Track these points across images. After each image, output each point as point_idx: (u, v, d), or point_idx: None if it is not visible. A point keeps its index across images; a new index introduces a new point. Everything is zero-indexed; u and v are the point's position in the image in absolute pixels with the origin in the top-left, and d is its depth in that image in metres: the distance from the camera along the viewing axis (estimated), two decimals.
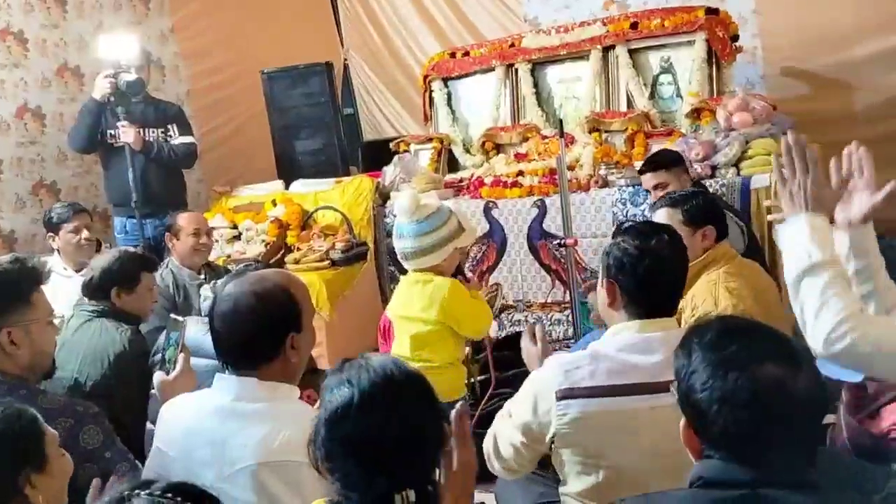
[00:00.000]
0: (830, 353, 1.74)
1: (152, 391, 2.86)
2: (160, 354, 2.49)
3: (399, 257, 3.14)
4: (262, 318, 1.96)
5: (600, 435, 2.07)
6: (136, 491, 1.13)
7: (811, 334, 1.78)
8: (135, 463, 2.39)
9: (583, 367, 2.10)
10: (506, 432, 2.25)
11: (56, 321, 2.49)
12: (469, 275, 3.74)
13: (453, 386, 3.11)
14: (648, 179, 3.97)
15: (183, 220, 4.32)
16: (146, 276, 3.36)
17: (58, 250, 4.24)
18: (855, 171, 2.02)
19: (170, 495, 1.14)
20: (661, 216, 3.09)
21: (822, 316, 1.76)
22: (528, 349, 2.54)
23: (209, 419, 1.98)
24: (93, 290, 3.24)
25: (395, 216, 3.61)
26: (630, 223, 2.38)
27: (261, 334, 1.97)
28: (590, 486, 2.12)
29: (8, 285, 2.31)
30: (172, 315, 2.49)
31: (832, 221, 1.98)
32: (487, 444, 2.33)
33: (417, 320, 3.05)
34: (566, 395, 2.07)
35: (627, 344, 2.11)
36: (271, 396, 1.96)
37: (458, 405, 1.59)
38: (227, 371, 2.03)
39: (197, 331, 2.77)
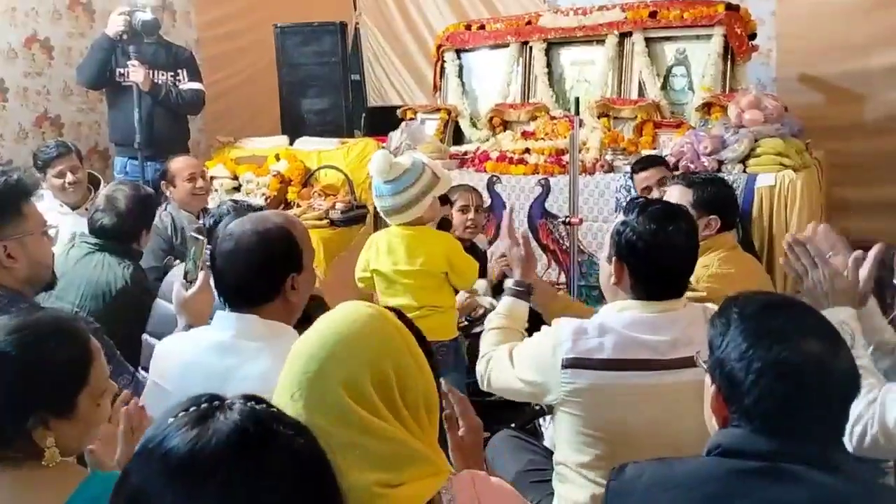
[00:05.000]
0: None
1: (144, 336, 2.87)
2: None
3: (382, 215, 3.26)
4: (263, 257, 2.00)
5: (603, 408, 2.07)
6: (231, 402, 1.03)
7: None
8: (136, 375, 2.39)
9: (592, 337, 2.09)
10: (505, 374, 2.26)
11: (51, 232, 2.47)
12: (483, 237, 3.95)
13: (454, 326, 3.30)
14: (649, 177, 3.99)
15: (176, 165, 4.27)
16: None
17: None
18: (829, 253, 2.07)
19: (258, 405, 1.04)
20: (674, 193, 3.07)
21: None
22: (512, 251, 2.58)
23: (208, 354, 1.99)
24: (124, 234, 3.23)
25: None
26: (643, 200, 2.33)
27: (261, 274, 2.00)
28: (588, 458, 2.11)
29: None
30: (192, 233, 2.48)
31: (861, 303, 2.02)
32: (480, 368, 2.36)
33: (419, 273, 3.13)
34: (573, 364, 2.07)
35: (633, 322, 2.10)
36: (271, 334, 1.98)
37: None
38: (226, 309, 2.03)
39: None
